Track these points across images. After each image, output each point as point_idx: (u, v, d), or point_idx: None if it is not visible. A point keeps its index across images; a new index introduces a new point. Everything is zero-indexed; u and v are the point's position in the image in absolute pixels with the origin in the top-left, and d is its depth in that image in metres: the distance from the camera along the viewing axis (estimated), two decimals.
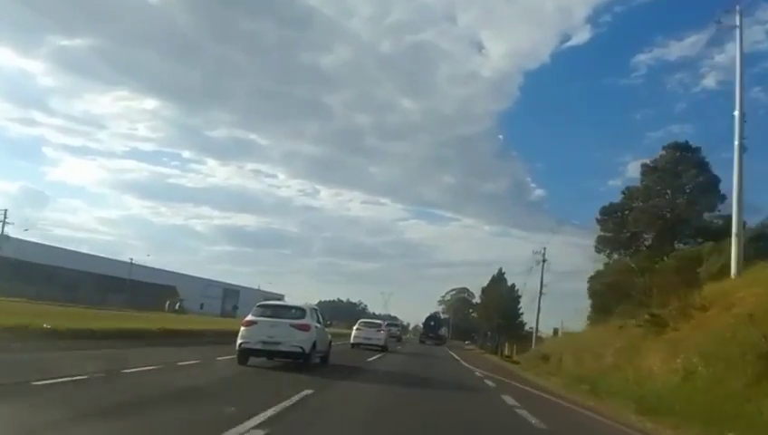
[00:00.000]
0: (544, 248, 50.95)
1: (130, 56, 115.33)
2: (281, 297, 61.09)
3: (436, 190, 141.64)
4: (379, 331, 28.86)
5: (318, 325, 14.81)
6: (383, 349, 27.64)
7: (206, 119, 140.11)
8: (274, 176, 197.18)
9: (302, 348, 13.45)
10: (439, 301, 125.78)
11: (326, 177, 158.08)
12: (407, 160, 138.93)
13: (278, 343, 13.41)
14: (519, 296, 60.71)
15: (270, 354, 13.77)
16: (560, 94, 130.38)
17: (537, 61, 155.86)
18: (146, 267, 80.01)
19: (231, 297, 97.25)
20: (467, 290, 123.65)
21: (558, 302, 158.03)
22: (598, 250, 37.95)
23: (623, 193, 38.31)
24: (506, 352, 42.69)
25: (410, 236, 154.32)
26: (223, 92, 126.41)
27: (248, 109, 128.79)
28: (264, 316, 14.00)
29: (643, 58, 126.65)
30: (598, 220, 37.92)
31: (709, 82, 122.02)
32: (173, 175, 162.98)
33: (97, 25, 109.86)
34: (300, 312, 14.27)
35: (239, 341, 13.57)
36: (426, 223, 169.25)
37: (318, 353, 14.80)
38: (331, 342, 16.57)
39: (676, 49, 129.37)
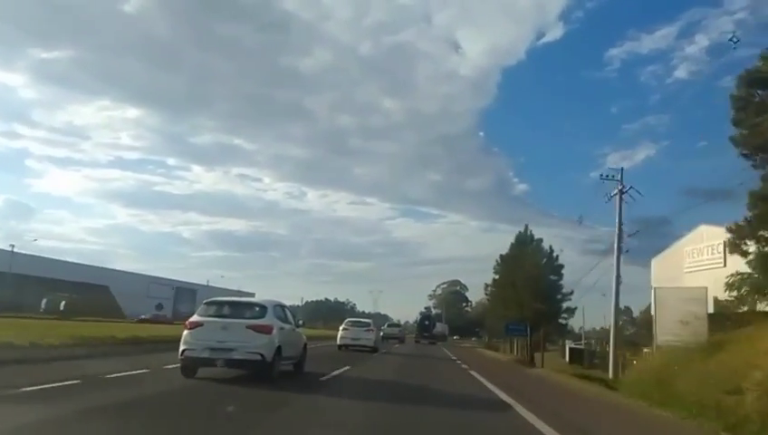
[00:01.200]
0: (621, 171, 28.77)
1: (111, 66, 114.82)
2: (251, 297, 56.13)
3: (422, 188, 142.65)
4: (368, 330, 26.68)
5: (285, 326, 11.90)
6: (373, 350, 25.41)
7: (190, 125, 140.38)
8: (260, 180, 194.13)
9: (261, 355, 10.54)
10: (430, 295, 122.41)
11: (312, 179, 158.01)
12: (392, 160, 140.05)
13: (230, 350, 10.51)
14: (560, 267, 34.50)
15: (221, 363, 10.85)
16: (537, 90, 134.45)
17: (514, 58, 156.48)
18: (77, 264, 75.76)
19: (185, 298, 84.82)
20: (460, 283, 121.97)
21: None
22: None
23: None
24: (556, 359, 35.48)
25: (398, 235, 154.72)
26: (205, 99, 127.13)
27: (232, 114, 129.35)
28: (213, 316, 11.11)
29: (616, 52, 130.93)
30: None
31: (681, 73, 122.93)
32: (159, 182, 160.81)
33: (76, 37, 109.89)
34: (259, 310, 11.30)
35: (181, 347, 10.67)
36: (413, 221, 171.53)
37: (286, 361, 11.92)
38: (306, 345, 13.63)
39: (648, 42, 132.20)
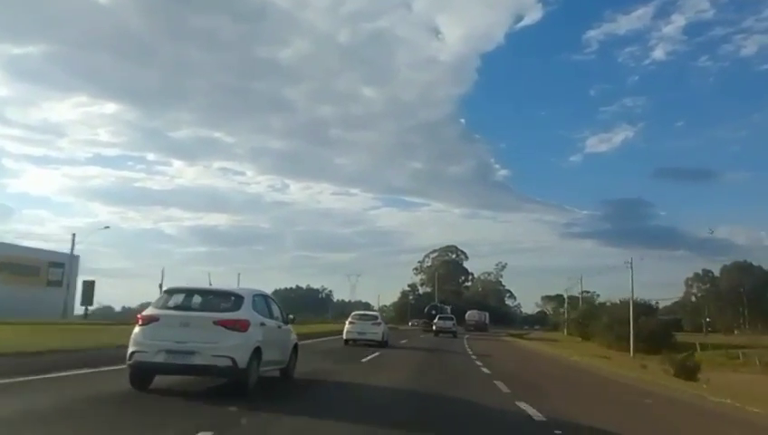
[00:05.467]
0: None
1: (86, 61, 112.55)
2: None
3: (405, 177, 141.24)
4: (375, 324, 24.85)
5: (268, 321, 9.36)
6: (380, 344, 23.39)
7: (169, 120, 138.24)
8: (243, 173, 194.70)
9: (232, 360, 8.02)
10: (416, 269, 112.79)
11: (295, 171, 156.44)
12: (374, 149, 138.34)
13: (191, 353, 8.01)
14: None
15: (179, 371, 8.38)
16: (517, 74, 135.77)
17: (493, 42, 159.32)
18: None
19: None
20: (456, 249, 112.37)
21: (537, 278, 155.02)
22: None
23: None
24: None
25: (382, 224, 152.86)
26: (183, 92, 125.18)
27: (210, 107, 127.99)
28: (174, 308, 8.65)
29: (594, 34, 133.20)
30: None
31: (658, 53, 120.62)
32: (139, 178, 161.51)
33: (48, 32, 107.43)
34: (233, 300, 8.73)
35: (130, 349, 8.14)
36: (397, 210, 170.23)
37: (270, 366, 9.44)
38: (296, 346, 11.04)
39: (625, 22, 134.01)
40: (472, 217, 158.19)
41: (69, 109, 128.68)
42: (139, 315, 8.53)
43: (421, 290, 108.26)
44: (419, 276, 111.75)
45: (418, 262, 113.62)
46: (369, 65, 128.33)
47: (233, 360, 8.04)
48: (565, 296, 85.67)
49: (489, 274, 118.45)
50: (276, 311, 10.10)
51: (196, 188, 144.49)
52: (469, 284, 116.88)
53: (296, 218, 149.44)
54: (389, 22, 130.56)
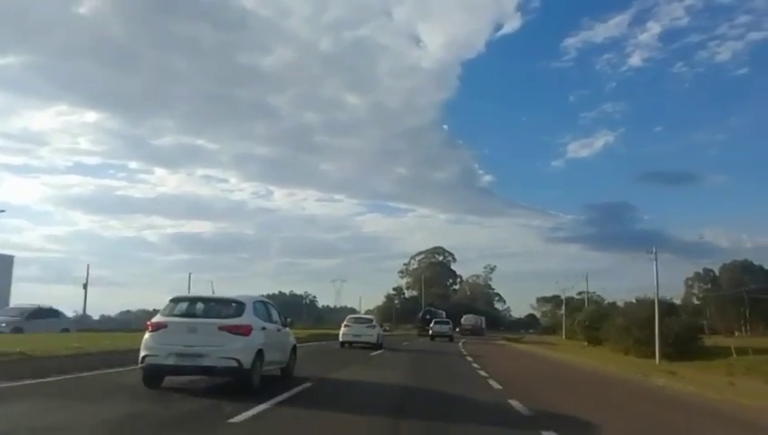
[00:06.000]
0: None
1: (66, 70, 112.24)
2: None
3: (390, 183, 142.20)
4: (370, 326, 26.02)
5: (268, 325, 10.20)
6: (375, 347, 24.52)
7: (151, 127, 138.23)
8: (226, 180, 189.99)
9: (237, 361, 8.86)
10: (401, 272, 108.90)
11: (279, 177, 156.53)
12: (358, 155, 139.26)
13: (200, 356, 8.83)
14: None
15: (189, 372, 9.20)
16: (498, 81, 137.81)
17: (474, 50, 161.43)
18: None
19: None
20: (443, 250, 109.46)
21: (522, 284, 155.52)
22: None
23: None
24: None
25: (368, 230, 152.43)
26: (165, 100, 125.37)
27: (193, 114, 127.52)
28: (180, 315, 9.43)
29: (572, 41, 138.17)
30: None
31: (635, 60, 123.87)
32: (121, 187, 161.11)
33: (29, 41, 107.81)
34: (236, 307, 9.56)
35: (142, 353, 9.02)
36: (382, 216, 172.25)
37: (271, 366, 10.23)
38: (295, 347, 11.88)
39: (602, 30, 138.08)
40: (458, 222, 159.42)
41: (50, 118, 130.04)
42: (148, 323, 9.33)
43: (407, 293, 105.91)
44: (405, 279, 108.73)
45: (404, 264, 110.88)
46: (353, 73, 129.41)
47: (238, 361, 8.87)
48: (563, 297, 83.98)
49: (478, 276, 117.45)
50: (275, 315, 10.92)
51: (178, 195, 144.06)
52: (457, 287, 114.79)
53: (281, 225, 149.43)
54: (371, 30, 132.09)
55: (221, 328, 9.05)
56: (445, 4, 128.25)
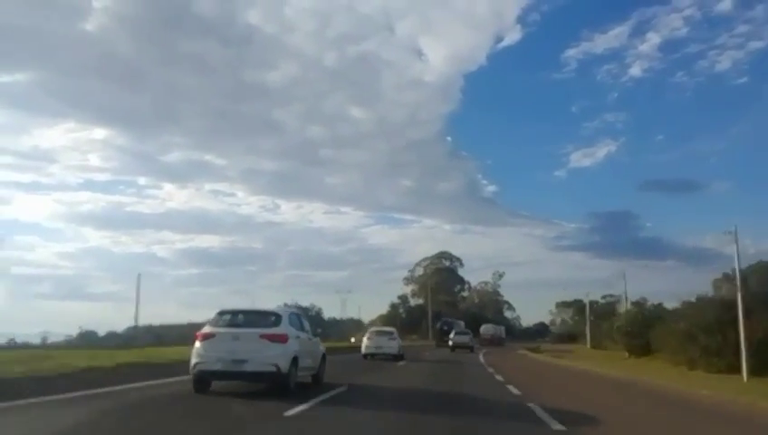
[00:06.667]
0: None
1: (74, 87, 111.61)
2: None
3: (396, 195, 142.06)
4: (392, 338, 26.86)
5: (301, 335, 11.34)
6: (397, 358, 25.52)
7: (159, 143, 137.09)
8: (234, 194, 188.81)
9: (276, 366, 9.98)
10: (406, 278, 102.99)
11: (286, 191, 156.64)
12: (364, 168, 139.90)
13: (244, 362, 9.97)
14: None
15: (234, 377, 10.35)
16: (500, 93, 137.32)
17: (475, 63, 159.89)
18: None
19: None
20: (450, 255, 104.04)
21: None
22: None
23: None
24: None
25: (374, 242, 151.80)
26: (173, 116, 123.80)
27: (201, 130, 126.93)
28: (226, 326, 10.60)
29: (572, 53, 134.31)
30: None
31: (635, 70, 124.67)
32: (130, 202, 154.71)
33: (37, 59, 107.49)
34: (274, 318, 10.74)
35: (193, 360, 10.17)
36: (388, 227, 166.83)
37: (304, 372, 11.35)
38: (325, 356, 13.02)
39: (602, 41, 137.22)
40: (462, 232, 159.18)
41: (59, 135, 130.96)
42: (197, 333, 10.50)
43: (412, 302, 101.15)
44: (410, 287, 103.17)
45: (409, 271, 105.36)
46: (357, 87, 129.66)
47: (277, 366, 9.99)
48: (586, 302, 78.31)
49: (486, 283, 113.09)
50: (306, 326, 12.06)
51: (187, 210, 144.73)
52: (465, 294, 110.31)
53: (288, 238, 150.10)
54: (374, 44, 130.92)
55: (261, 336, 10.19)
56: (446, 17, 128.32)
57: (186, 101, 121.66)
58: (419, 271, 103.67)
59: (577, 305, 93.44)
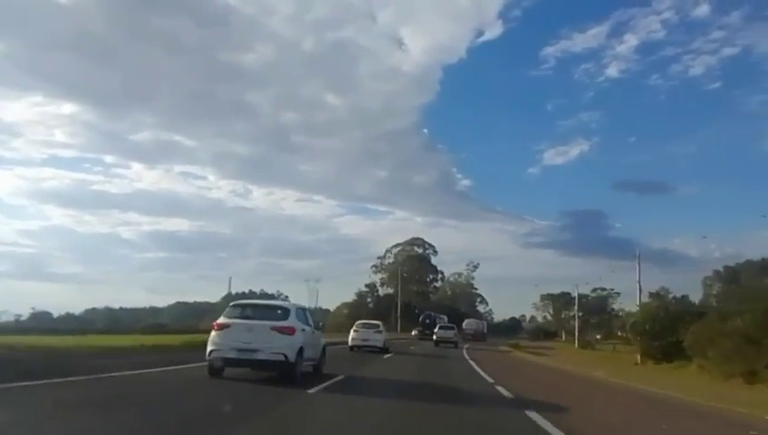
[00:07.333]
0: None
1: (43, 60, 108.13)
2: None
3: (369, 185, 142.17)
4: (378, 332, 27.64)
5: (306, 328, 12.38)
6: (383, 350, 26.34)
7: (129, 122, 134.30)
8: (204, 178, 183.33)
9: (284, 356, 11.01)
10: (375, 267, 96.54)
11: (258, 176, 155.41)
12: (338, 157, 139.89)
13: (255, 351, 10.98)
14: None
15: (246, 364, 11.35)
16: (478, 87, 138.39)
17: (455, 55, 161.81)
18: None
19: None
20: (423, 242, 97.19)
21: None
22: None
23: None
24: None
25: (346, 232, 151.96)
26: (144, 94, 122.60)
27: (172, 110, 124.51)
28: (240, 317, 11.59)
29: (551, 50, 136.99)
30: None
31: (612, 71, 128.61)
32: (96, 181, 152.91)
33: (3, 30, 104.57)
34: (283, 312, 11.79)
35: (209, 348, 11.17)
36: (361, 218, 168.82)
37: (307, 362, 12.40)
38: (325, 347, 14.12)
39: (580, 41, 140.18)
40: (435, 225, 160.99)
41: (24, 108, 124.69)
42: (214, 323, 11.50)
43: (381, 291, 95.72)
44: (380, 275, 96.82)
45: (378, 258, 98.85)
46: (334, 73, 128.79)
47: (285, 356, 11.03)
48: (575, 295, 71.23)
49: (460, 275, 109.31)
50: (310, 320, 13.11)
51: (155, 191, 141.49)
52: (438, 284, 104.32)
53: (259, 224, 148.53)
54: (354, 31, 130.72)
55: (272, 328, 11.21)
56: (427, 8, 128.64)
57: (158, 80, 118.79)
58: (390, 258, 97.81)
59: (565, 299, 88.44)
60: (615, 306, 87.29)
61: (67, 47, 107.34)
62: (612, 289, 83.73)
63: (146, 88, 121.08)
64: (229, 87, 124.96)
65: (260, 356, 11.00)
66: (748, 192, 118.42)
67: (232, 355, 11.02)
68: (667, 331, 27.99)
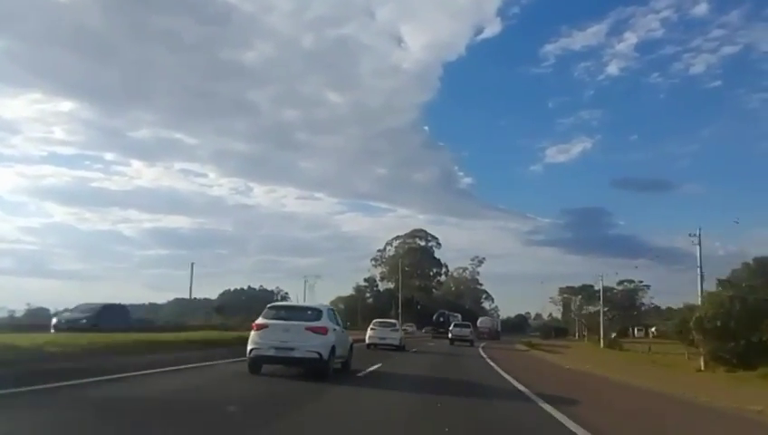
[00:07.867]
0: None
1: (42, 57, 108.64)
2: None
3: (370, 182, 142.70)
4: (394, 330, 28.44)
5: (336, 328, 13.34)
6: (399, 348, 27.02)
7: (129, 119, 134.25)
8: (205, 175, 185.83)
9: (319, 354, 11.94)
10: (375, 260, 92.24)
11: (258, 174, 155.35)
12: (339, 154, 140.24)
13: (292, 349, 11.92)
14: None
15: (284, 362, 12.29)
16: (478, 85, 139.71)
17: (455, 53, 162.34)
18: None
19: None
20: (426, 234, 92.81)
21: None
22: None
23: None
24: None
25: (347, 229, 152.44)
26: (144, 92, 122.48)
27: (173, 108, 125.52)
28: (277, 319, 12.53)
29: (551, 48, 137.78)
30: None
31: (612, 69, 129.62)
32: (96, 178, 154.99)
33: (2, 26, 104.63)
34: (315, 313, 12.77)
35: (249, 347, 12.12)
36: (362, 215, 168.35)
37: (338, 359, 13.34)
38: (352, 345, 15.11)
39: (580, 38, 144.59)
40: (437, 223, 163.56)
41: (23, 105, 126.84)
42: (253, 323, 12.43)
43: (381, 286, 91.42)
44: (379, 269, 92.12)
45: (378, 251, 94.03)
46: (334, 71, 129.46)
47: (319, 354, 11.97)
48: (600, 288, 63.71)
49: (464, 269, 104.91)
50: (339, 320, 14.06)
51: (156, 189, 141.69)
52: (442, 278, 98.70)
53: (260, 222, 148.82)
54: (354, 29, 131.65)
55: (307, 328, 12.15)
56: (426, 5, 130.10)
57: (158, 78, 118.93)
58: (390, 250, 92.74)
59: (587, 292, 79.32)
60: (644, 300, 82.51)
61: (66, 44, 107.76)
62: (641, 281, 78.00)
63: (146, 85, 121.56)
64: (229, 84, 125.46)
65: (296, 354, 11.93)
66: (748, 192, 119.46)
67: (270, 353, 11.95)
68: (745, 328, 22.28)
